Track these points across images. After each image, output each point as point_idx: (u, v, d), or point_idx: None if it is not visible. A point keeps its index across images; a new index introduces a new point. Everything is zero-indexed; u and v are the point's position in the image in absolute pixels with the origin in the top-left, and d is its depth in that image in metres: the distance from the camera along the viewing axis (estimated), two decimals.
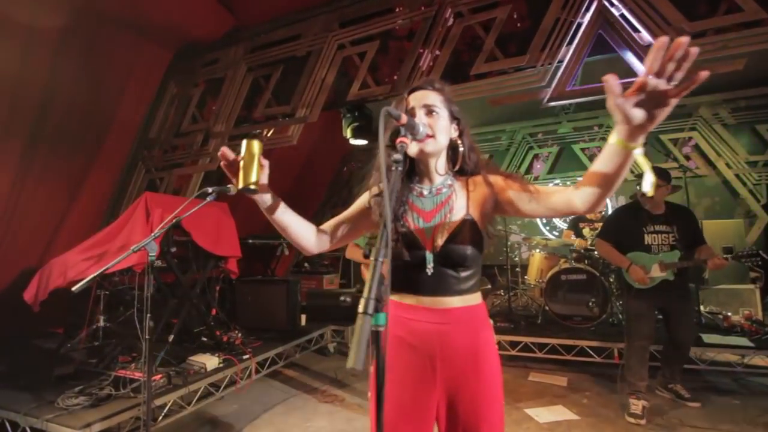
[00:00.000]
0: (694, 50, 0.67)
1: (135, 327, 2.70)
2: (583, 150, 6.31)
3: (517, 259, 5.53)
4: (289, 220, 1.15)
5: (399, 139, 0.98)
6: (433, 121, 1.11)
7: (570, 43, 3.17)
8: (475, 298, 1.13)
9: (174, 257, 3.08)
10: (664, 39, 0.67)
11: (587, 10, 3.12)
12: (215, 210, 3.26)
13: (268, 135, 4.56)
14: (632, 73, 3.16)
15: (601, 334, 3.53)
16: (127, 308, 3.22)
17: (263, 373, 3.17)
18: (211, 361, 2.78)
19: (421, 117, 1.10)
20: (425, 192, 1.15)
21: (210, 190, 1.94)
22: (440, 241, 1.08)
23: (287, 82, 4.06)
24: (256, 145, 1.04)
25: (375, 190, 1.21)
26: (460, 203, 1.13)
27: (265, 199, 1.10)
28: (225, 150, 1.05)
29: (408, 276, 1.10)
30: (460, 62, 3.54)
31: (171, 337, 3.06)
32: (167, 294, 3.19)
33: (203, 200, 1.97)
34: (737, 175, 5.45)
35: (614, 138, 0.79)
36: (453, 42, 3.52)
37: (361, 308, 0.65)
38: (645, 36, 2.98)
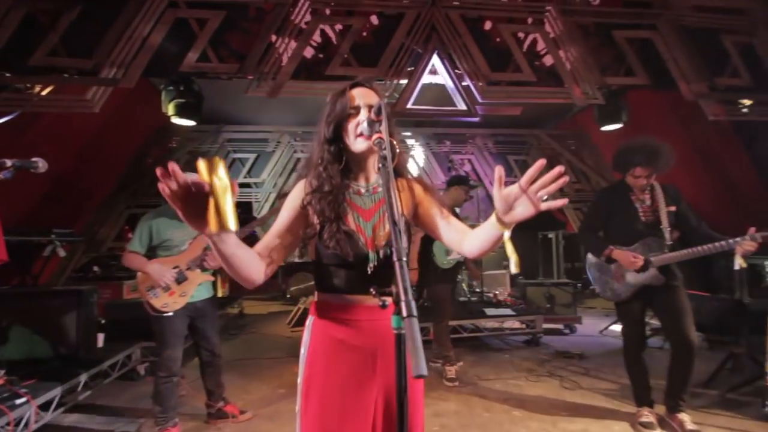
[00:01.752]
0: (562, 181, 0.84)
1: None
2: None
3: None
4: (243, 255, 0.90)
5: (377, 135, 0.95)
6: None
7: (411, 66, 3.64)
8: None
9: None
10: (543, 161, 0.84)
11: (426, 41, 3.66)
12: None
13: (43, 93, 3.36)
14: (451, 101, 3.90)
15: (420, 315, 4.17)
16: None
17: (48, 419, 2.31)
18: None
19: (366, 115, 1.08)
20: (363, 190, 1.14)
21: (8, 163, 1.33)
22: (382, 241, 1.09)
23: (90, 29, 3.08)
24: (221, 164, 0.74)
25: (306, 186, 1.11)
26: None
27: (231, 237, 0.83)
28: (176, 171, 0.69)
29: (350, 275, 1.08)
30: (316, 60, 3.53)
31: None
32: None
33: None
34: None
35: (493, 220, 0.95)
36: (309, 37, 3.48)
37: (405, 312, 0.63)
38: (464, 75, 3.74)
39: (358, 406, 1.03)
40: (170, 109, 3.98)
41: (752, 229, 2.11)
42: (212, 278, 2.50)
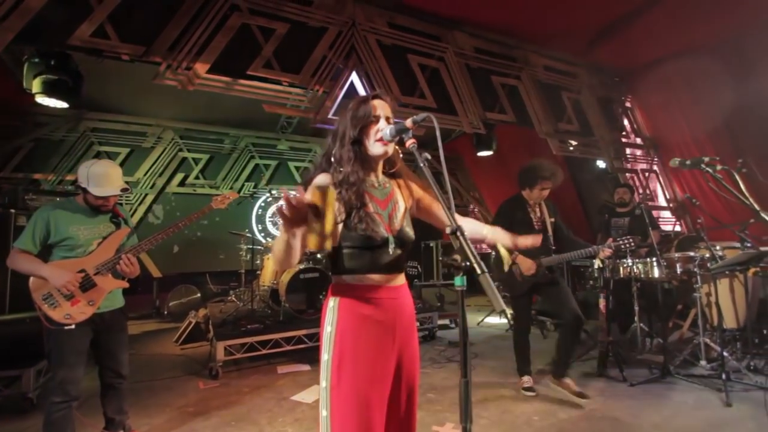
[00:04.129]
0: None
1: None
2: (297, 168, 7.24)
3: (258, 262, 5.49)
4: (298, 246, 1.03)
5: (411, 141, 1.14)
6: None
7: (333, 79, 3.83)
8: (404, 275, 1.37)
9: None
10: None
11: (347, 58, 3.90)
12: None
13: None
14: None
15: None
16: None
17: None
18: None
19: (386, 124, 1.27)
20: (376, 185, 1.31)
21: None
22: (397, 225, 1.27)
23: None
24: (332, 194, 0.91)
25: (327, 179, 1.23)
26: (399, 197, 1.36)
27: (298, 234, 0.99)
28: (300, 195, 0.89)
29: (373, 257, 1.22)
30: (236, 57, 3.40)
31: None
32: None
33: None
34: None
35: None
36: (230, 32, 3.37)
37: (479, 269, 0.83)
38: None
39: (384, 372, 1.18)
40: (35, 85, 3.29)
41: (610, 240, 2.81)
42: (126, 284, 2.17)
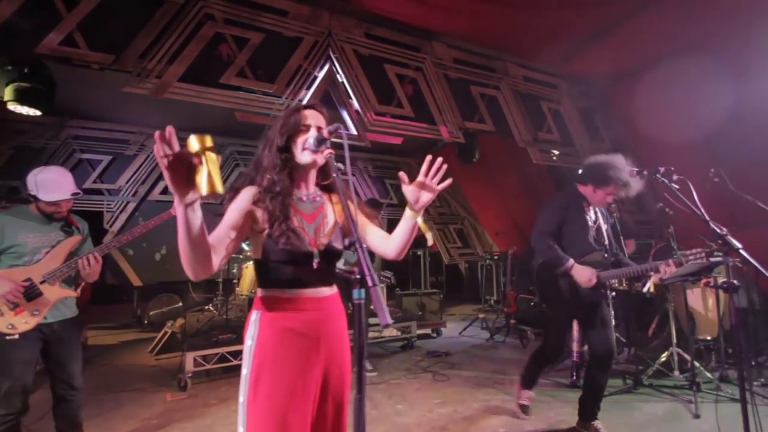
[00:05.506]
0: (443, 167, 1.19)
1: None
2: None
3: (234, 271, 5.47)
4: (204, 232, 0.96)
5: (329, 151, 1.13)
6: None
7: (308, 88, 3.84)
8: (335, 287, 1.35)
9: None
10: (430, 157, 1.17)
11: (322, 68, 3.92)
12: None
13: None
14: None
15: None
16: None
17: None
18: None
19: (315, 134, 1.26)
20: (304, 198, 1.29)
21: None
22: (324, 241, 1.26)
23: None
24: (209, 139, 0.85)
25: (253, 190, 1.22)
26: (330, 211, 1.35)
27: (200, 210, 0.91)
28: (170, 133, 0.78)
29: (296, 270, 1.20)
30: (209, 66, 3.41)
31: None
32: None
33: None
34: None
35: (408, 212, 1.25)
36: (203, 41, 3.38)
37: (373, 282, 0.82)
38: (354, 103, 4.11)
39: (305, 384, 1.16)
40: (8, 93, 3.28)
41: (670, 261, 2.30)
42: (75, 294, 2.13)
